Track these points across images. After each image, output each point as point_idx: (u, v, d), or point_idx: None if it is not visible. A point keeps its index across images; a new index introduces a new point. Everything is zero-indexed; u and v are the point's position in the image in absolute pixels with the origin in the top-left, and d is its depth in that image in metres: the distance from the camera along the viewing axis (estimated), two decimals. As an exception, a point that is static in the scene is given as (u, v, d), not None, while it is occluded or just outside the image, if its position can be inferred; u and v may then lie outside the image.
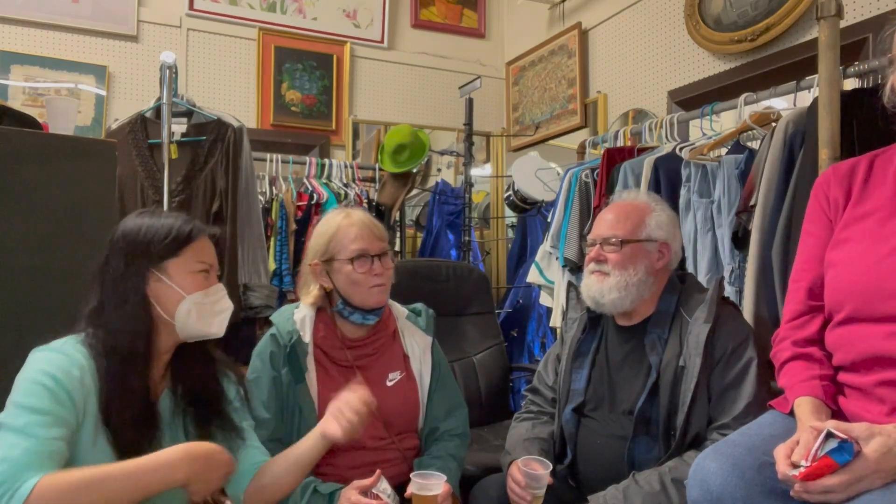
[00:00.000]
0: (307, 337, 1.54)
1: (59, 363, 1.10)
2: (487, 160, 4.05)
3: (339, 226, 1.55)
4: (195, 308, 1.22)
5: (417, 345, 1.64)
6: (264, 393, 1.48)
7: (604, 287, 1.52)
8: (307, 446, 1.31)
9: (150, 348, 1.20)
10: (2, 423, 1.04)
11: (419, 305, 1.73)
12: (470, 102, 3.31)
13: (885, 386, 1.07)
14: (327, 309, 1.58)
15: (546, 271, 2.60)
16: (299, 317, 1.56)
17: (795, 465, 0.98)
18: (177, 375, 1.27)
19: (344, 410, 1.28)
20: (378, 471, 1.37)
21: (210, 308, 1.25)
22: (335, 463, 1.50)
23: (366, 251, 1.52)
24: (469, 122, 3.32)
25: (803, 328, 1.24)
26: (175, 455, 1.08)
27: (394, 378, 1.58)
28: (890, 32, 1.18)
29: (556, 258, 2.51)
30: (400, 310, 1.69)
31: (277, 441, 1.47)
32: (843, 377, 1.17)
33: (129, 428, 1.13)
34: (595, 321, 1.64)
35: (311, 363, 1.52)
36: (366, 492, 1.35)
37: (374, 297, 1.53)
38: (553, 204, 2.65)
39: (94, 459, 1.09)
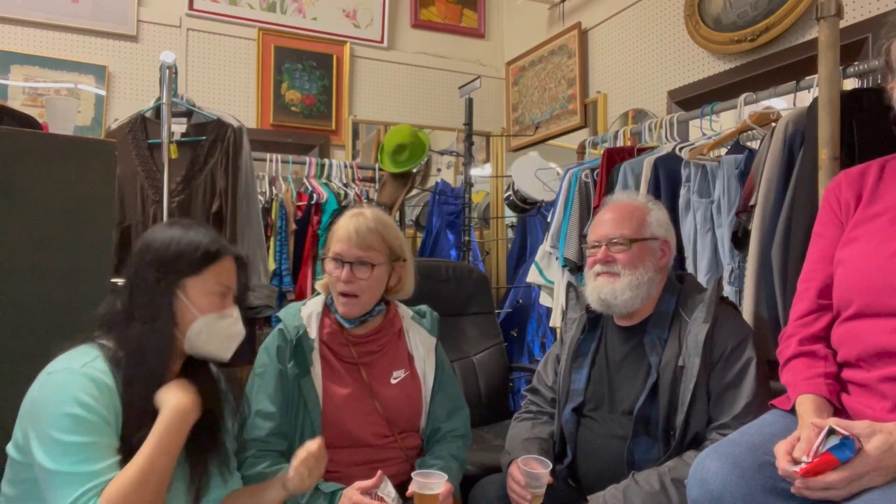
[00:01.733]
0: (313, 333, 1.55)
1: (85, 387, 1.08)
2: (487, 160, 4.05)
3: (339, 223, 1.56)
4: (206, 329, 1.22)
5: (422, 344, 1.65)
6: (270, 386, 1.49)
7: (616, 288, 1.51)
8: (270, 493, 1.31)
9: (168, 367, 1.20)
10: (50, 469, 1.04)
11: (424, 307, 1.73)
12: (470, 102, 3.31)
13: (889, 381, 1.08)
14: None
15: (546, 271, 2.60)
16: (306, 313, 1.58)
17: (796, 462, 0.99)
18: None
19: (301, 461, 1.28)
20: (380, 472, 1.38)
21: (222, 331, 1.25)
22: (337, 460, 1.50)
23: (339, 255, 1.51)
24: (469, 122, 3.32)
25: (811, 325, 1.25)
26: (176, 409, 1.13)
27: (398, 376, 1.59)
28: (887, 45, 1.19)
29: (556, 258, 2.51)
30: (405, 310, 1.69)
31: (281, 435, 1.48)
32: (846, 373, 1.18)
33: (140, 441, 1.12)
34: (594, 321, 1.64)
35: (316, 358, 1.53)
36: (368, 492, 1.35)
37: (339, 306, 1.53)
38: (553, 204, 2.65)
39: None
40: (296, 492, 1.30)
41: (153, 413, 1.15)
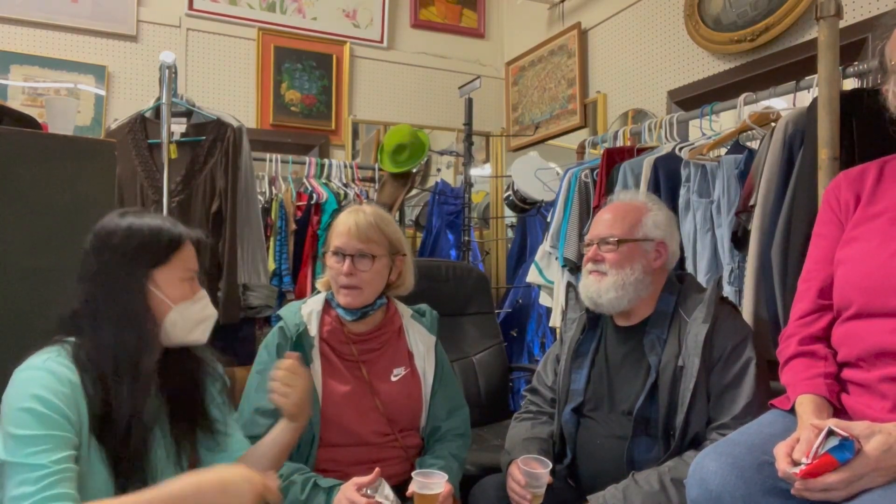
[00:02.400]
0: (313, 330, 1.55)
1: (45, 382, 1.05)
2: (487, 160, 4.05)
3: (339, 219, 1.58)
4: (181, 319, 1.19)
5: (422, 342, 1.65)
6: (269, 384, 1.48)
7: (601, 287, 1.53)
8: (280, 436, 1.31)
9: (143, 361, 1.14)
10: (5, 461, 1.01)
11: (423, 306, 1.73)
12: (469, 102, 3.31)
13: (889, 381, 1.08)
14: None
15: (545, 271, 2.60)
16: (306, 311, 1.58)
17: (796, 463, 0.99)
18: (162, 379, 1.21)
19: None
20: (377, 469, 1.37)
21: (195, 316, 1.22)
22: (337, 459, 1.51)
23: (340, 248, 1.53)
24: (469, 122, 3.32)
25: (811, 325, 1.25)
26: (219, 480, 1.05)
27: (398, 374, 1.59)
28: (881, 46, 1.19)
29: (556, 258, 2.51)
30: (405, 308, 1.70)
31: None
32: (846, 373, 1.17)
33: (122, 441, 1.09)
34: (594, 321, 1.64)
35: (315, 355, 1.54)
36: (365, 488, 1.34)
37: (341, 297, 1.54)
38: (553, 204, 2.65)
39: (87, 474, 1.07)
40: (297, 419, 1.29)
41: (130, 406, 1.11)
